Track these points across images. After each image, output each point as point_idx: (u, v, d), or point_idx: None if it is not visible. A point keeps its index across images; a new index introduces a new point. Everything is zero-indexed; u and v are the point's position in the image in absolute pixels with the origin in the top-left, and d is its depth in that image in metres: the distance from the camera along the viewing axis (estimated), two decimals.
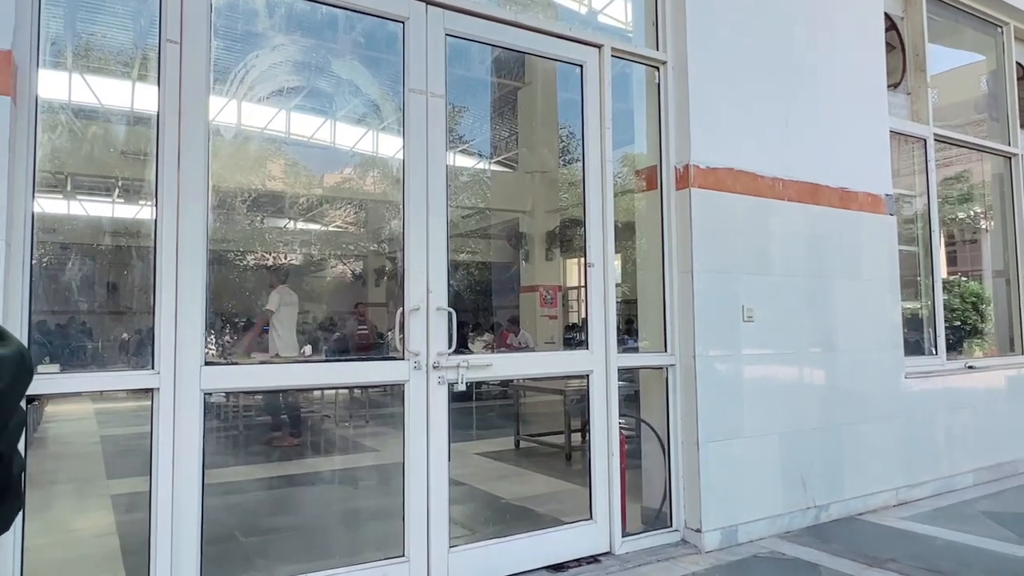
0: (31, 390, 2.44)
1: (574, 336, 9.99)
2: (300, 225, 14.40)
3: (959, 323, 6.07)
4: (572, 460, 6.17)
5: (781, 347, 4.30)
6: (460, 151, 11.72)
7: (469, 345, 9.31)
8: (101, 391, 2.79)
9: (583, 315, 11.35)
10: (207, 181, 2.86)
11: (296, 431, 6.90)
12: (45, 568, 3.34)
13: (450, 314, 3.34)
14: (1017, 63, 6.39)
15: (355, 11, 3.33)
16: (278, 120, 11.01)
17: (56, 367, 2.67)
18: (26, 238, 2.53)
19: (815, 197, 4.53)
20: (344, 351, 8.83)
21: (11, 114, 2.46)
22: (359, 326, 9.05)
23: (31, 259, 2.54)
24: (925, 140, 5.61)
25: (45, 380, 2.58)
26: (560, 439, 6.51)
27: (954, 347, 5.87)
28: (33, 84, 2.60)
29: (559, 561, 3.58)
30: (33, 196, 2.56)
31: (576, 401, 6.18)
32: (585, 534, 3.71)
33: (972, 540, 4.04)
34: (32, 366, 1.11)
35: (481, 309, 13.35)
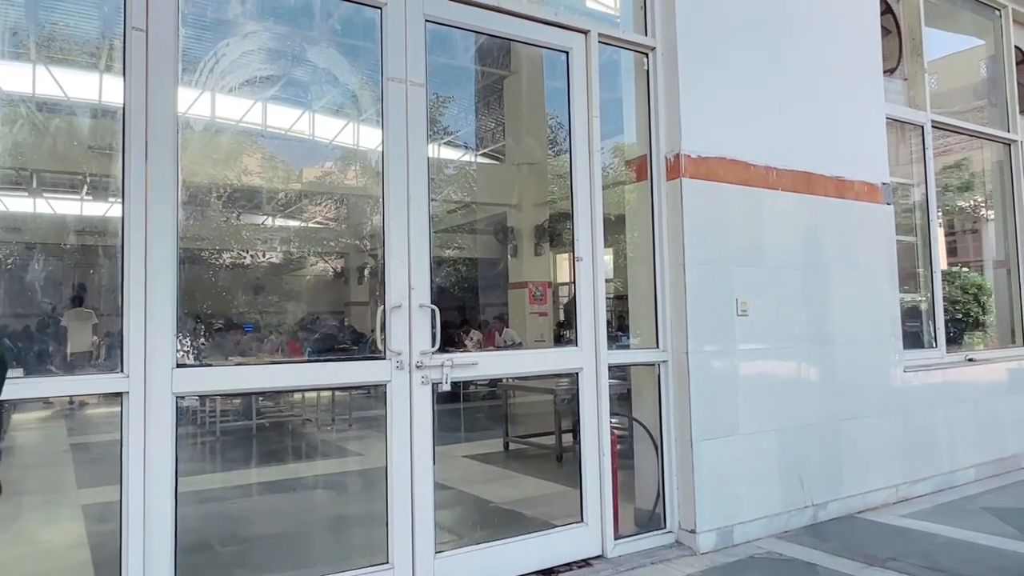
0: None
1: (565, 333, 10.01)
2: (279, 221, 14.35)
3: (960, 315, 6.11)
4: (563, 461, 6.18)
5: (776, 341, 4.33)
6: (445, 143, 11.69)
7: (466, 343, 9.33)
8: (69, 396, 2.77)
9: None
10: (176, 176, 2.85)
11: None
12: None
13: (433, 311, 3.33)
14: (1016, 47, 6.45)
15: None
16: (254, 112, 10.92)
17: (20, 371, 2.64)
18: None
19: (810, 186, 4.55)
20: (327, 351, 8.82)
21: None
22: None
23: None
24: (923, 127, 5.64)
25: (9, 385, 2.55)
26: (550, 440, 6.52)
27: (955, 340, 5.92)
28: None
29: (549, 566, 3.59)
30: None
31: (566, 401, 6.20)
32: (576, 537, 3.72)
33: (974, 537, 4.08)
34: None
35: (468, 307, 13.33)
